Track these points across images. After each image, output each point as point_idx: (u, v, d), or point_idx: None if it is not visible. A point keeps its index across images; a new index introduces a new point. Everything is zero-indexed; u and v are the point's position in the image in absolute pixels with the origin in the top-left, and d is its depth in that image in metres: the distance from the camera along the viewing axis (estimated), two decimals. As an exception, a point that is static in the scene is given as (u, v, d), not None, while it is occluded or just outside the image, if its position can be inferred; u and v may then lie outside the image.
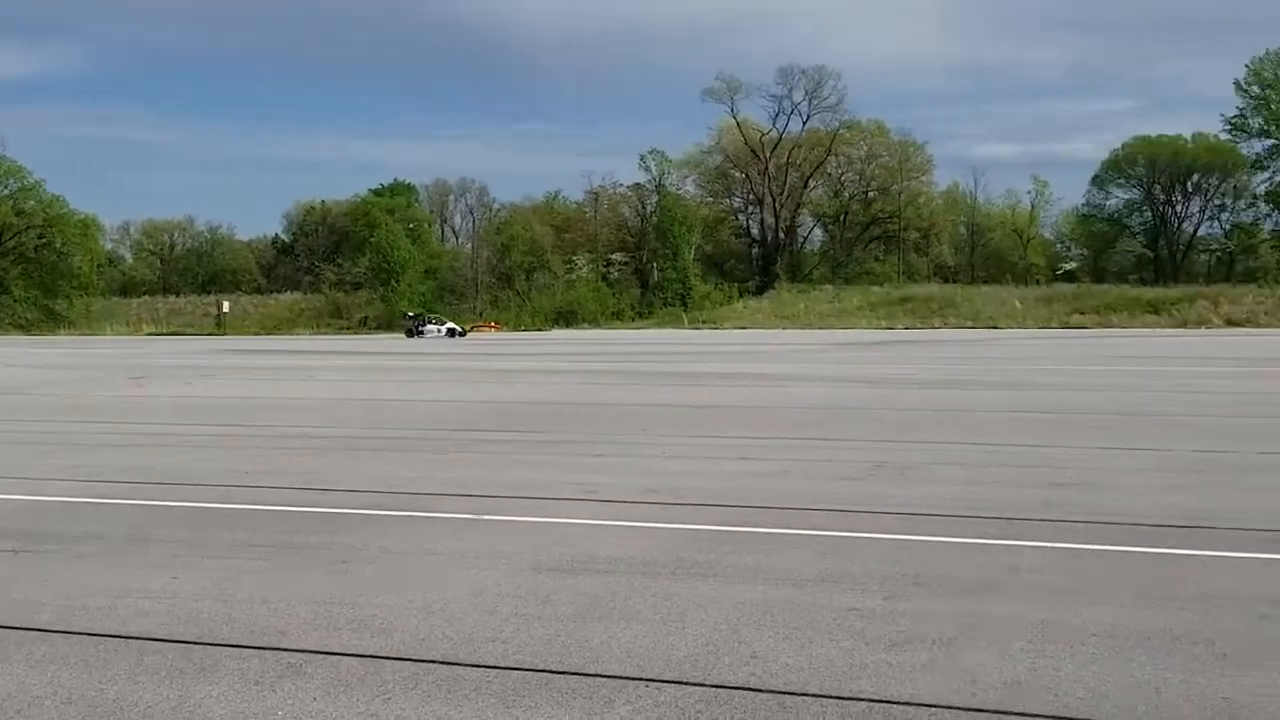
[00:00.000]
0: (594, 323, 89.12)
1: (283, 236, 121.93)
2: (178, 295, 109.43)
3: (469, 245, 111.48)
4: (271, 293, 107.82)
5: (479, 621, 7.04)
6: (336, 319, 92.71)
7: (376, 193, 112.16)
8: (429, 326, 78.26)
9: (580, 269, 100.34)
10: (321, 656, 6.36)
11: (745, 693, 5.74)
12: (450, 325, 78.64)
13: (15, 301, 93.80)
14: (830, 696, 5.68)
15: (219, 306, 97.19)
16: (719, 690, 5.77)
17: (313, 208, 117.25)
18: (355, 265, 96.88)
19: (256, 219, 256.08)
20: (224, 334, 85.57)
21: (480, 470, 13.58)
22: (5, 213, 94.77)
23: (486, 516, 10.54)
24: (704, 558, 8.76)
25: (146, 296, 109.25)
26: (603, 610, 7.28)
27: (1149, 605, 7.32)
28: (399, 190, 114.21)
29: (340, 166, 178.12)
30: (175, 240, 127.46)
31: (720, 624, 6.94)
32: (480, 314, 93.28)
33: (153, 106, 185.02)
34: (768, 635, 6.70)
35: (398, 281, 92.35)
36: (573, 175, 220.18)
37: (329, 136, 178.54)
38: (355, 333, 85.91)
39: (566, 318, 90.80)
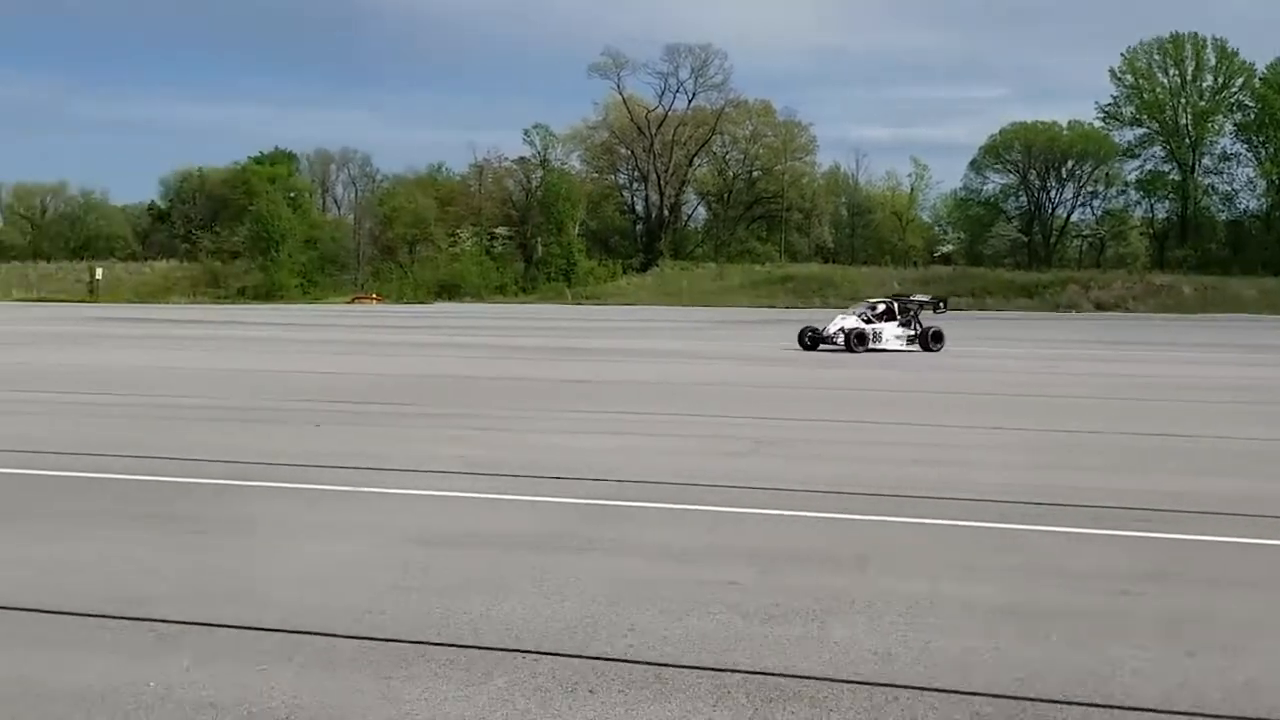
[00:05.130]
0: (477, 296, 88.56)
1: (159, 203, 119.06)
2: (49, 261, 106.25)
3: (351, 216, 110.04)
4: (146, 260, 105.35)
5: (355, 593, 7.00)
6: (214, 288, 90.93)
7: (257, 161, 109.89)
8: (887, 326, 32.14)
9: (464, 242, 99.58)
10: (196, 627, 6.29)
11: (622, 664, 5.78)
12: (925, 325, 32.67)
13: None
14: (706, 668, 5.75)
15: (91, 273, 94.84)
16: (596, 661, 5.81)
17: (190, 174, 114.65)
18: (234, 234, 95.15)
19: (132, 185, 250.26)
20: (97, 301, 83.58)
21: (358, 442, 13.48)
22: None
23: (364, 488, 10.47)
24: (584, 531, 8.79)
25: (16, 262, 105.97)
26: (481, 583, 7.28)
27: (1016, 581, 7.50)
28: (279, 159, 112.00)
29: (220, 133, 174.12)
30: (47, 204, 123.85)
31: (599, 597, 6.99)
32: (361, 286, 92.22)
33: (25, 67, 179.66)
34: (646, 608, 6.76)
35: (278, 251, 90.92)
36: (457, 147, 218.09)
37: (209, 102, 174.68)
38: (235, 301, 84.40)
39: (449, 291, 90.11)
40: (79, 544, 8.23)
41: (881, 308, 32.61)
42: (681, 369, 25.15)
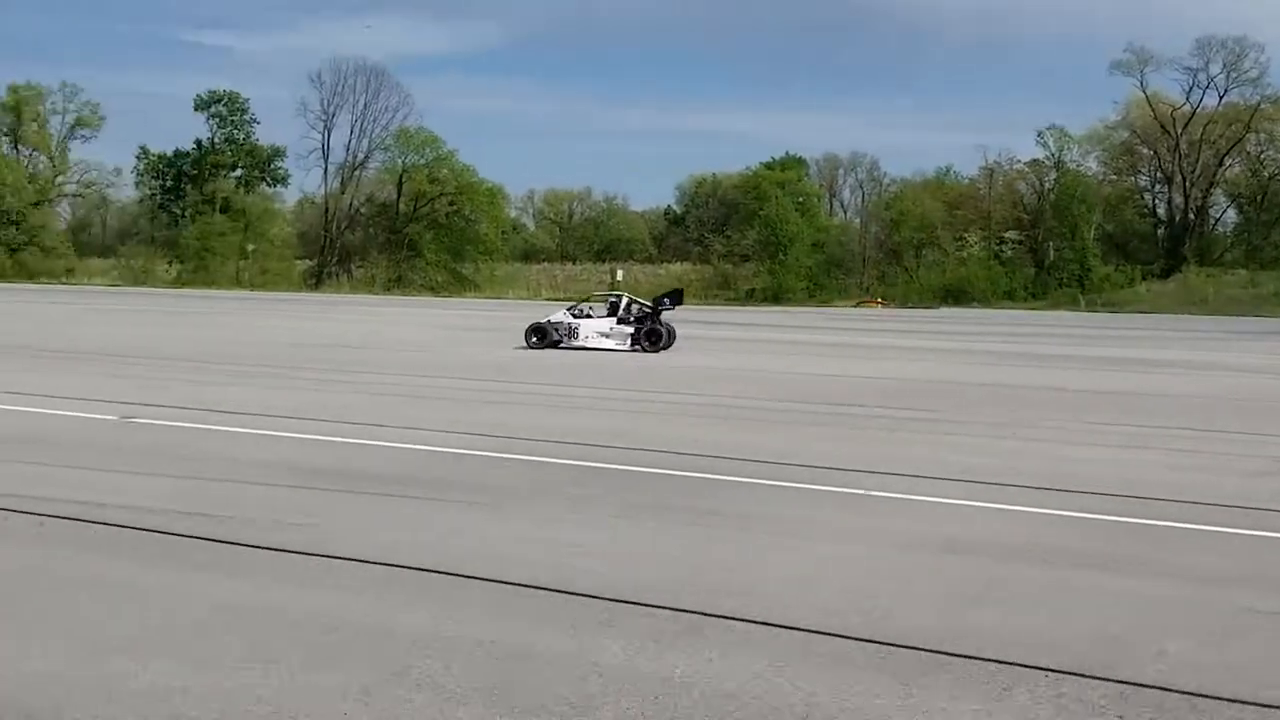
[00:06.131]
0: (984, 302, 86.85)
1: (674, 207, 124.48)
2: (574, 262, 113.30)
3: (857, 220, 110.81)
4: (662, 262, 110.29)
5: (866, 596, 7.00)
6: (724, 290, 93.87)
7: (768, 166, 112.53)
8: (586, 322, 30.04)
9: (971, 246, 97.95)
10: (716, 619, 6.47)
11: (1153, 691, 5.47)
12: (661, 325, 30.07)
13: (427, 264, 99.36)
14: (1247, 702, 5.34)
15: (613, 274, 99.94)
16: (1125, 686, 5.52)
17: (704, 180, 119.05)
18: (744, 237, 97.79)
19: (650, 190, 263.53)
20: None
21: (858, 445, 13.51)
22: (420, 180, 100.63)
23: (873, 492, 10.45)
24: (1098, 548, 8.42)
25: (545, 263, 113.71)
26: (996, 594, 7.11)
27: None
28: (790, 164, 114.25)
29: (732, 139, 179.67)
30: (573, 209, 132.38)
31: (1120, 617, 6.65)
32: (866, 289, 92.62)
33: (559, 82, 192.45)
34: (1175, 633, 6.37)
35: (785, 255, 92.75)
36: (966, 150, 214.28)
37: (722, 110, 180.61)
38: (743, 304, 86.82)
39: (955, 296, 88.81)
40: (586, 530, 8.68)
41: (612, 302, 31.19)
42: (1201, 381, 23.61)
